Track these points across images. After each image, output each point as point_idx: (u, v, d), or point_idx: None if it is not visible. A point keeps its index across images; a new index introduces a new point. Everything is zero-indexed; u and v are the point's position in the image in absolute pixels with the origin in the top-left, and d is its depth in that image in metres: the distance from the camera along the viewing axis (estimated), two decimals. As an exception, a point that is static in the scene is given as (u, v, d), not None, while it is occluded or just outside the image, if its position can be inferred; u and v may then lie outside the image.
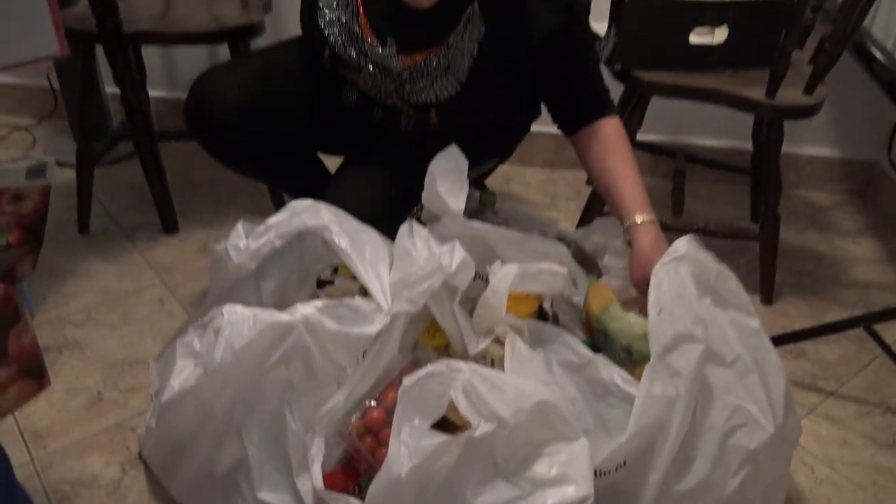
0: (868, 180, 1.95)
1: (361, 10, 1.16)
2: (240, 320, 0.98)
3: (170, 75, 2.09)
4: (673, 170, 1.74)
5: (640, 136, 1.69)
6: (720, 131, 1.96)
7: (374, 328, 0.98)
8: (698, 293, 0.99)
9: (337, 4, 1.17)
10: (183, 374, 1.02)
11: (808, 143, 1.92)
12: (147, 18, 1.55)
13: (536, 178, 1.99)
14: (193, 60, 2.02)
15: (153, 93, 1.98)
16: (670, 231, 1.58)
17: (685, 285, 0.98)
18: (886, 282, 1.66)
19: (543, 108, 1.32)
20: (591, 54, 1.23)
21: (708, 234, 1.55)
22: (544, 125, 1.30)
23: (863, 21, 1.34)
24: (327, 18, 1.18)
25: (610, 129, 1.20)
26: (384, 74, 1.19)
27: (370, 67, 1.19)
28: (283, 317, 0.98)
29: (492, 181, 1.77)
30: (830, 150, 1.94)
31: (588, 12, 1.27)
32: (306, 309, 0.98)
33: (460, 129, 1.23)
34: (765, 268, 1.53)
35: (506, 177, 1.97)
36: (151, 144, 1.64)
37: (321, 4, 1.17)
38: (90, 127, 1.64)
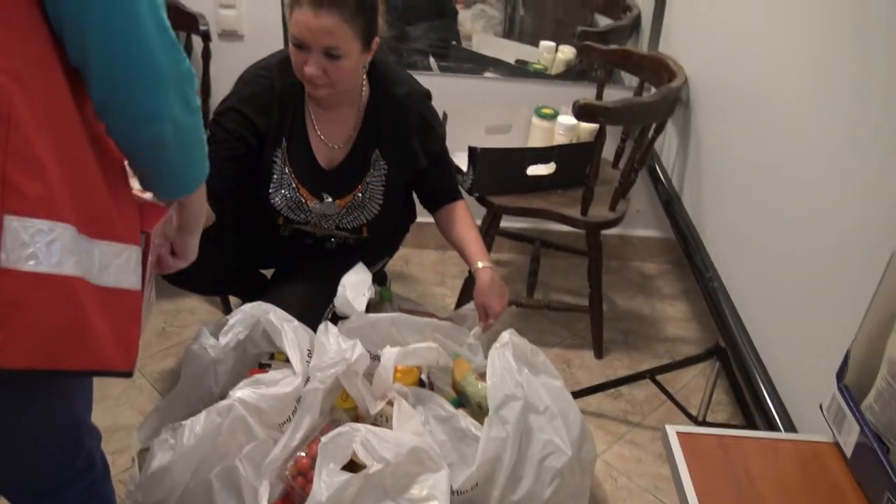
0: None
1: (298, 183, 1.62)
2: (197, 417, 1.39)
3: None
4: (531, 255, 2.26)
5: (506, 224, 2.20)
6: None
7: (289, 388, 1.43)
8: (518, 367, 1.48)
9: (281, 186, 1.62)
10: (164, 455, 1.40)
11: (638, 226, 2.48)
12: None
13: (430, 260, 2.47)
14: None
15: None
16: (524, 308, 2.10)
17: (509, 362, 1.47)
18: (690, 336, 2.21)
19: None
20: (449, 158, 1.75)
21: (552, 310, 2.07)
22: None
23: (646, 160, 1.89)
24: (278, 199, 1.63)
25: (460, 208, 1.74)
26: (324, 218, 1.67)
27: (314, 218, 1.67)
28: (223, 402, 1.40)
29: (393, 262, 2.23)
30: (655, 231, 2.51)
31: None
32: (237, 391, 1.42)
33: (375, 239, 1.76)
34: (595, 332, 2.05)
35: (405, 259, 2.44)
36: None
37: (271, 191, 1.62)
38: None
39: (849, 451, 0.79)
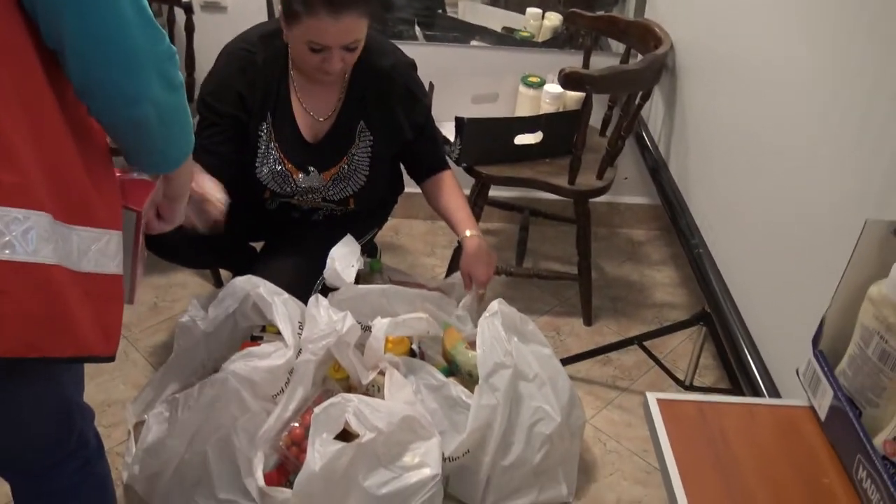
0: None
1: (284, 157, 1.63)
2: (191, 390, 1.42)
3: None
4: (520, 224, 2.27)
5: (495, 194, 2.21)
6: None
7: (281, 360, 1.44)
8: (507, 335, 1.50)
9: (266, 160, 1.62)
10: (159, 428, 1.44)
11: (626, 194, 2.49)
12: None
13: (419, 230, 2.48)
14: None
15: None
16: (514, 276, 2.12)
17: (499, 331, 1.49)
18: (677, 301, 2.24)
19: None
20: (435, 128, 1.76)
21: (541, 278, 2.09)
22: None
23: (633, 128, 1.89)
24: (264, 173, 1.63)
25: (447, 178, 1.75)
26: (311, 191, 1.67)
27: (300, 191, 1.67)
28: (217, 375, 1.43)
29: (383, 233, 2.23)
30: (643, 198, 2.52)
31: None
32: (230, 364, 1.43)
33: (363, 211, 1.77)
34: (584, 299, 2.08)
35: (395, 229, 2.45)
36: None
37: (257, 166, 1.62)
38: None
39: (823, 415, 0.82)
